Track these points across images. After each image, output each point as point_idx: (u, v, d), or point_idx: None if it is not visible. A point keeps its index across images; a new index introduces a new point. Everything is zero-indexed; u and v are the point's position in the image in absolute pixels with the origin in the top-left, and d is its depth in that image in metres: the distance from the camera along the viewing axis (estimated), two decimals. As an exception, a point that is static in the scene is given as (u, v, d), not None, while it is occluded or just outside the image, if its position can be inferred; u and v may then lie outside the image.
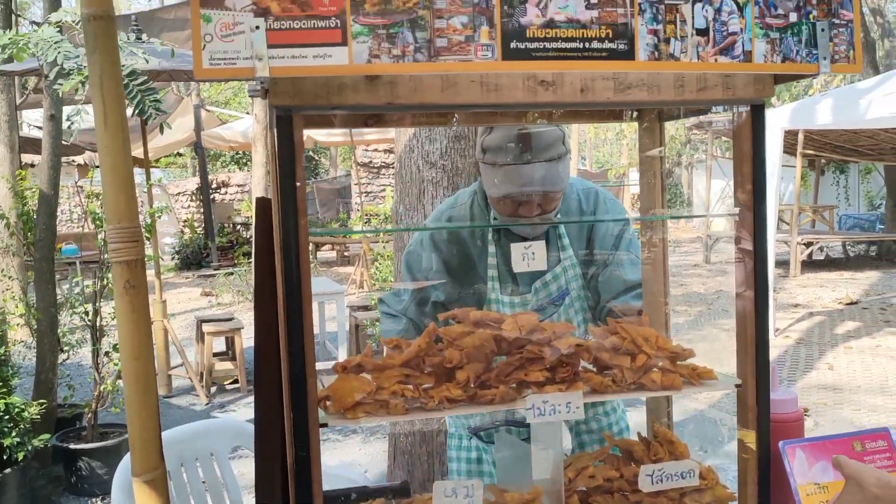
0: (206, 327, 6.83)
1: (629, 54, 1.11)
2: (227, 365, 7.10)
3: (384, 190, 18.93)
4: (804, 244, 11.59)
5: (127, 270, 1.26)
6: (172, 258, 14.56)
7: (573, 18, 1.08)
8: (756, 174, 1.36)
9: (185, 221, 16.23)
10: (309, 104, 1.17)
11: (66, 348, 5.19)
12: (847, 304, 9.46)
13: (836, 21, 1.20)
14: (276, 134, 1.19)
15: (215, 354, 7.10)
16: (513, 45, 1.07)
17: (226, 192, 18.56)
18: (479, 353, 1.32)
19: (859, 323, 8.56)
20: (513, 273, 1.83)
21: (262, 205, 1.46)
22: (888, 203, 13.50)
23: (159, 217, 5.52)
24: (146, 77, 4.58)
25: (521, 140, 1.68)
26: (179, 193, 18.26)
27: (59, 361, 4.99)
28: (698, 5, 1.13)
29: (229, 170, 21.18)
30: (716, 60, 1.15)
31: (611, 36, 1.09)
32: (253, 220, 11.18)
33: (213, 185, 17.68)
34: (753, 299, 1.35)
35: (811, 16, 1.19)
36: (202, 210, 15.28)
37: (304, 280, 1.22)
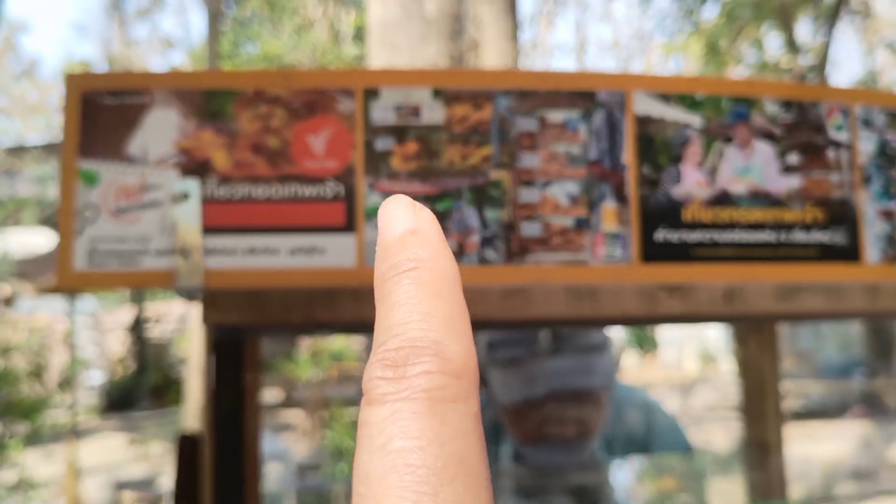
0: (124, 495, 5.95)
1: (849, 251, 0.63)
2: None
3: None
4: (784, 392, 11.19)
5: None
6: (100, 398, 13.48)
7: (762, 190, 0.61)
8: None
9: (118, 359, 15.25)
10: (274, 322, 0.66)
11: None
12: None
13: None
14: (215, 370, 0.68)
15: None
16: (658, 235, 0.58)
17: (164, 326, 17.63)
18: None
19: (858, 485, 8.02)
20: None
21: (187, 447, 0.92)
22: (869, 348, 13.29)
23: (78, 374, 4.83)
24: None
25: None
26: (112, 328, 17.27)
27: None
28: (946, 170, 0.67)
29: (170, 300, 20.36)
30: (976, 261, 0.68)
31: (820, 221, 0.62)
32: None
33: (151, 319, 16.78)
34: None
35: None
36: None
37: None
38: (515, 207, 0.57)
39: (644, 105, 0.59)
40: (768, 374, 1.13)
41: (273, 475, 6.54)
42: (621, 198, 0.58)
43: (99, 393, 13.42)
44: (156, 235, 0.54)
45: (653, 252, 0.58)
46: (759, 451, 1.14)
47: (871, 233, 0.63)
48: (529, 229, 0.57)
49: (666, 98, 0.59)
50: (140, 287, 0.57)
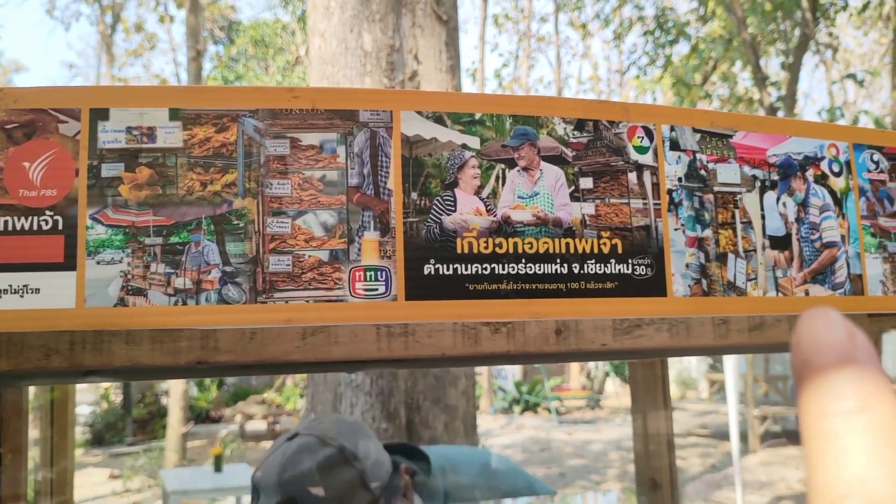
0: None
1: (654, 286, 0.57)
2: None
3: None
4: (760, 417, 11.13)
5: None
6: (84, 432, 13.24)
7: (549, 218, 0.55)
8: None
9: (103, 393, 15.01)
10: (33, 367, 0.60)
11: None
12: (813, 484, 8.85)
13: None
14: (-35, 425, 0.61)
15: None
16: (427, 269, 0.53)
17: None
18: None
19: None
20: None
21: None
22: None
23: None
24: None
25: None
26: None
27: None
28: (770, 195, 0.62)
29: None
30: (807, 293, 0.62)
31: (620, 251, 0.56)
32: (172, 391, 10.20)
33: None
34: None
35: (945, 213, 0.69)
36: (124, 377, 14.05)
37: None
38: (262, 239, 0.51)
39: (413, 125, 0.53)
40: (658, 409, 1.07)
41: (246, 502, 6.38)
42: (385, 227, 0.52)
43: (84, 427, 13.18)
44: None
45: (420, 288, 0.52)
46: (651, 492, 1.07)
47: (679, 263, 0.57)
48: (278, 264, 0.51)
49: (439, 117, 0.54)
50: None
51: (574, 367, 21.69)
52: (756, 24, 9.70)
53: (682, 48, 11.26)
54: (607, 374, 15.97)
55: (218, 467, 5.90)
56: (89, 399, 14.67)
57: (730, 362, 7.94)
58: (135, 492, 8.90)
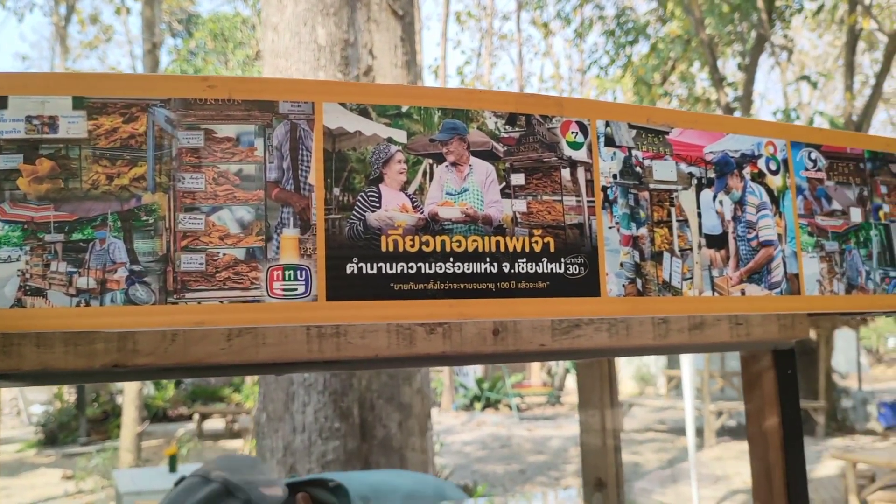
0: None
1: (587, 286, 0.56)
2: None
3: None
4: (716, 412, 11.32)
5: None
6: (36, 432, 12.92)
7: (479, 215, 0.53)
8: (789, 452, 0.82)
9: (57, 392, 14.65)
10: (-67, 373, 0.56)
11: None
12: (767, 478, 9.00)
13: (922, 221, 0.70)
14: None
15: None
16: (350, 268, 0.50)
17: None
18: None
19: None
20: None
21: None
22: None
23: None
24: None
25: None
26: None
27: None
28: (706, 193, 0.61)
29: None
30: (742, 293, 0.61)
31: (552, 250, 0.55)
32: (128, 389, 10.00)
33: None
34: None
35: (881, 213, 0.69)
36: (78, 376, 13.69)
37: None
38: (173, 237, 0.48)
39: (336, 117, 0.51)
40: (604, 408, 1.06)
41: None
42: (305, 224, 0.50)
43: (36, 427, 12.84)
44: None
45: (342, 287, 0.50)
46: (596, 491, 1.06)
47: (613, 262, 0.56)
48: (190, 262, 0.48)
49: (364, 110, 0.52)
50: None
51: (535, 363, 21.79)
52: (714, 26, 9.84)
53: (642, 48, 11.38)
54: (568, 371, 16.09)
55: (173, 468, 5.79)
56: (42, 398, 14.32)
57: (686, 358, 8.04)
58: (88, 493, 8.70)
